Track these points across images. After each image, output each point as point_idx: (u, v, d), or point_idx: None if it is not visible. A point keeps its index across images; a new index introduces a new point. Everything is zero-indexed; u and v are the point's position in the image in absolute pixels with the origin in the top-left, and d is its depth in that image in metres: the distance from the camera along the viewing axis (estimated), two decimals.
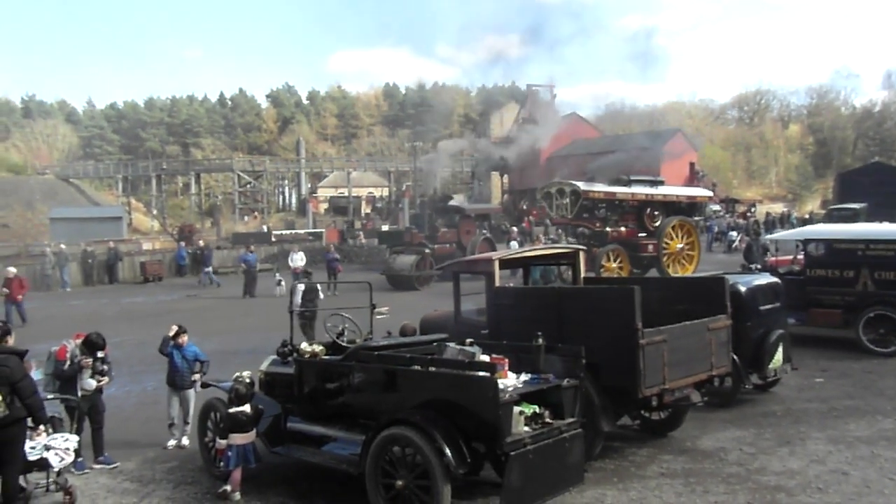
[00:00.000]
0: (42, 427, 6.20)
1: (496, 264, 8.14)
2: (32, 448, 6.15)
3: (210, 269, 27.56)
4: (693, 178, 45.15)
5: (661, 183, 22.09)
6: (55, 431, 6.52)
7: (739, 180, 66.67)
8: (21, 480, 6.05)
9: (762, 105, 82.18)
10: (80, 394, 7.28)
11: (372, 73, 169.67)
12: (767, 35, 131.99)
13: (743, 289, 8.91)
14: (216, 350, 11.81)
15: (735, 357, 7.95)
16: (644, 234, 20.98)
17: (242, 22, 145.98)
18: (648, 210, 21.09)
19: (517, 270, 10.14)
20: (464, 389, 5.55)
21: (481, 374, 5.53)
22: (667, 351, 6.73)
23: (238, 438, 6.44)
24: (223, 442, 6.54)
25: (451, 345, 6.37)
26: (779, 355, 8.94)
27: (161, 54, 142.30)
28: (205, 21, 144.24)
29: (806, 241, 12.75)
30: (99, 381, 7.46)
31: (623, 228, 20.80)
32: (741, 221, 37.63)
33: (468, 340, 6.59)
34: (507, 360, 5.98)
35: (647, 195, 21.00)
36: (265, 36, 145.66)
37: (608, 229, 20.31)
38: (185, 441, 8.15)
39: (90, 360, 7.36)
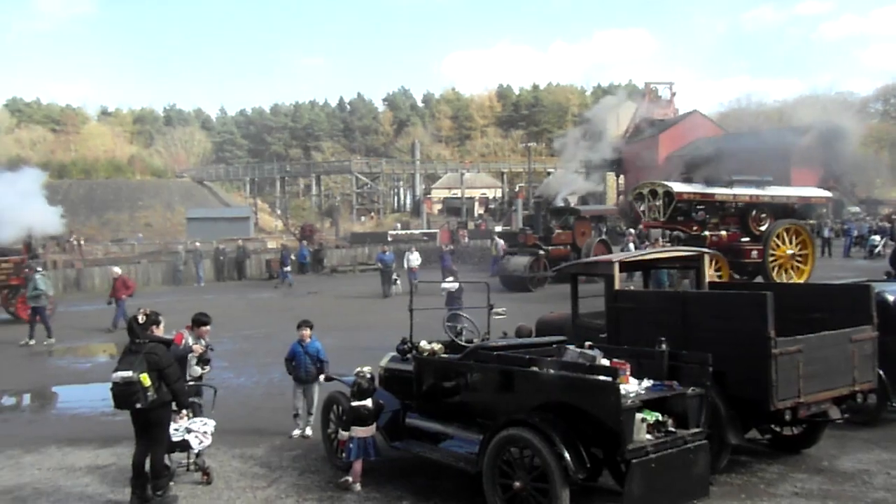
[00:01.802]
0: (184, 411, 6.70)
1: (616, 266, 7.96)
2: (175, 430, 6.65)
3: (288, 268, 28.56)
4: (828, 179, 42.02)
5: (770, 183, 20.56)
6: (195, 416, 6.99)
7: (884, 179, 61.34)
8: (166, 459, 6.56)
9: None
10: (188, 379, 7.66)
11: (485, 74, 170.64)
12: None
13: (891, 298, 8.15)
14: (336, 346, 12.25)
15: (881, 372, 7.31)
16: (748, 239, 19.69)
17: (360, 29, 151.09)
18: (754, 212, 19.76)
19: (633, 273, 9.86)
20: (584, 393, 5.45)
21: (603, 378, 5.41)
22: (803, 362, 6.31)
23: (359, 431, 6.65)
24: (345, 434, 6.77)
25: (571, 347, 6.28)
26: None
27: (285, 63, 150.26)
28: (325, 30, 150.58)
29: None
30: (203, 370, 7.80)
31: (724, 232, 19.54)
32: (885, 224, 34.65)
33: (587, 343, 6.47)
34: (628, 365, 5.82)
35: (751, 196, 19.64)
36: (382, 41, 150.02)
37: (706, 233, 19.18)
38: (309, 431, 8.50)
39: (201, 348, 7.66)
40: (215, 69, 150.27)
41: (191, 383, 7.44)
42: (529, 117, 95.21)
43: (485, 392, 6.31)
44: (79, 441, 8.71)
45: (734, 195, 19.58)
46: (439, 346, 7.09)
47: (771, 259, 18.71)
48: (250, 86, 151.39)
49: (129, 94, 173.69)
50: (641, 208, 19.87)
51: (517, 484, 5.49)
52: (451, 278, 15.65)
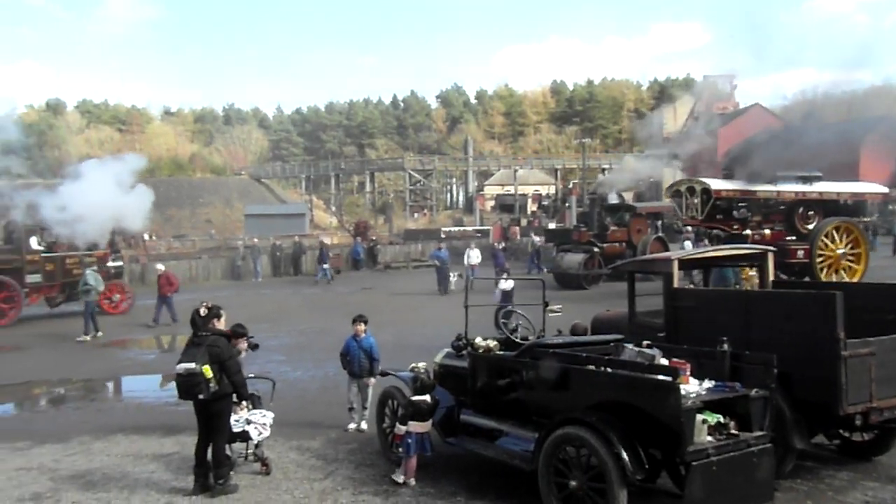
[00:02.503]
0: (244, 403, 6.86)
1: (675, 264, 7.77)
2: (236, 421, 6.82)
3: (327, 265, 29.04)
4: None
5: (818, 178, 19.60)
6: (254, 408, 7.15)
7: None
8: (227, 449, 6.73)
9: None
10: None
11: (538, 70, 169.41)
12: None
13: None
14: (389, 341, 12.36)
15: None
16: (794, 238, 18.75)
17: (413, 27, 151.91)
18: (801, 210, 18.85)
19: (689, 272, 9.60)
20: (643, 393, 5.34)
21: (662, 377, 5.29)
22: (875, 365, 6.03)
23: (417, 427, 6.67)
24: (402, 428, 6.80)
25: (629, 346, 6.16)
26: None
27: (340, 62, 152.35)
28: (379, 28, 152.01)
29: None
30: None
31: (767, 231, 18.68)
32: None
33: (645, 342, 6.35)
34: (688, 365, 5.68)
35: (797, 192, 18.74)
36: (435, 39, 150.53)
37: (748, 232, 18.42)
38: (364, 425, 8.59)
39: (244, 345, 7.64)
40: (272, 69, 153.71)
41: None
42: (584, 113, 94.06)
43: (540, 390, 6.26)
44: (144, 429, 9.03)
45: (778, 191, 18.78)
46: (494, 342, 7.07)
47: (819, 259, 17.83)
48: (306, 85, 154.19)
49: (191, 94, 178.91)
50: (683, 205, 19.32)
51: (573, 483, 5.43)
52: (504, 275, 15.53)
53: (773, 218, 19.28)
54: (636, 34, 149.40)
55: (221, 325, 6.75)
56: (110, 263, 20.57)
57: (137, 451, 8.13)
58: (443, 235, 41.92)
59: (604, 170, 64.63)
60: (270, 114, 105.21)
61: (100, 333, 16.97)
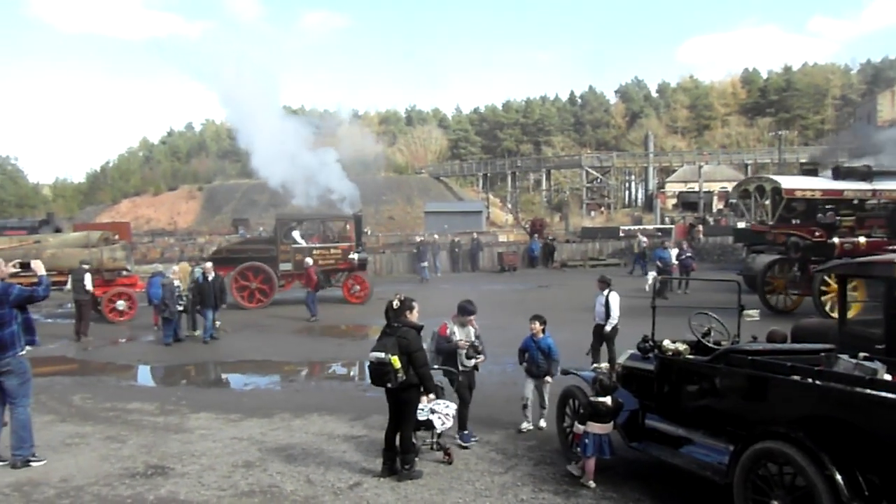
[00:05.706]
0: (430, 395, 7.09)
1: None
2: (421, 410, 7.06)
3: (425, 264, 28.89)
4: None
5: None
6: (438, 398, 7.36)
7: None
8: (413, 437, 7.00)
9: None
10: (460, 368, 8.07)
11: (728, 60, 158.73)
12: None
13: None
14: (567, 340, 12.12)
15: None
16: None
17: (593, 20, 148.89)
18: None
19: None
20: (862, 410, 4.78)
21: (888, 394, 4.70)
22: None
23: (596, 427, 6.52)
24: (581, 427, 6.67)
25: (844, 357, 5.55)
26: None
27: (518, 59, 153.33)
28: (557, 23, 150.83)
29: None
30: (476, 359, 8.17)
31: (862, 238, 15.75)
32: None
33: (861, 354, 5.69)
34: None
35: None
36: (614, 32, 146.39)
37: (836, 240, 15.61)
38: (543, 423, 8.53)
39: (466, 343, 8.05)
40: (451, 69, 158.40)
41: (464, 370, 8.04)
42: (779, 103, 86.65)
43: (736, 399, 5.82)
44: (336, 411, 9.66)
45: (874, 190, 15.74)
46: (684, 346, 6.70)
47: None
48: (484, 83, 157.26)
49: (376, 96, 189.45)
50: (752, 207, 16.78)
51: (775, 503, 5.00)
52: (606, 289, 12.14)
53: (870, 223, 16.39)
54: (848, 12, 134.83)
55: (413, 317, 7.01)
56: (353, 255, 22.26)
57: (331, 431, 8.71)
58: (621, 234, 40.70)
59: (802, 164, 59.08)
60: (449, 114, 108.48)
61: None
